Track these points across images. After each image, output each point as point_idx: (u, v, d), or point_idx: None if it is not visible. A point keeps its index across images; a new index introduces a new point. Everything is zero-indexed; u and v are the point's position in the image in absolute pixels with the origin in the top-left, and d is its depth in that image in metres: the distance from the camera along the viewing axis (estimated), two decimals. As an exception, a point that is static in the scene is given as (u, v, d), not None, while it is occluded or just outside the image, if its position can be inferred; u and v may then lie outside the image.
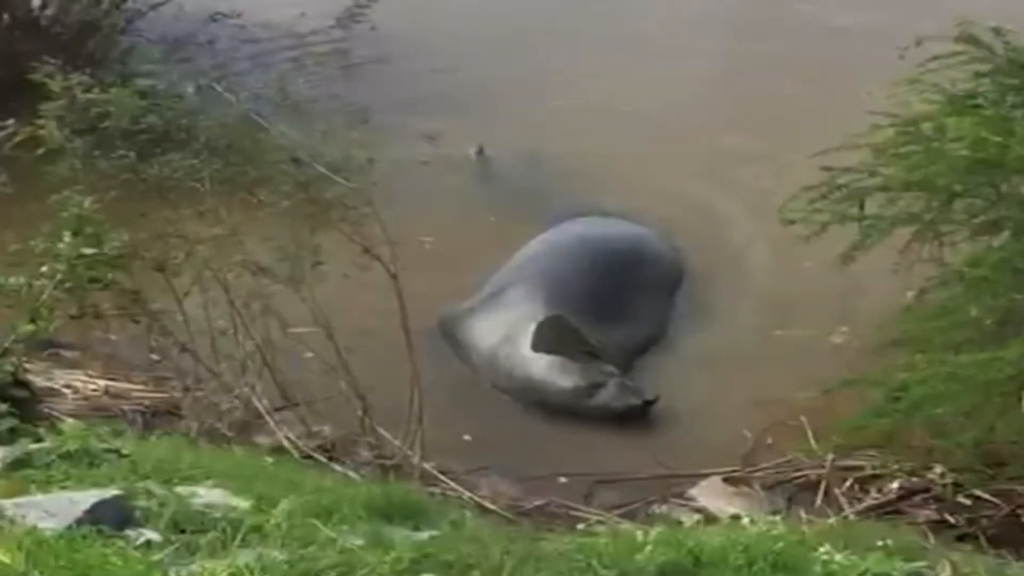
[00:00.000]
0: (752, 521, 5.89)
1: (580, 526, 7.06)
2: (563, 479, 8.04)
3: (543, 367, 9.09)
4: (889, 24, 12.13)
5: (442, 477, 7.80)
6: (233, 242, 8.16)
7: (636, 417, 8.85)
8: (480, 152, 11.82)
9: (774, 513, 6.91)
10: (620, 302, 9.71)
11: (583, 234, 10.38)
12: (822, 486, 7.82)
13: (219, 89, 8.52)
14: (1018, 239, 7.52)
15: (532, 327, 9.18)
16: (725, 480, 7.87)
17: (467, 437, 8.56)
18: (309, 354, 8.28)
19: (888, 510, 7.60)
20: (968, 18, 8.07)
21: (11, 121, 8.47)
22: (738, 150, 11.66)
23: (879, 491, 7.73)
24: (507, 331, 9.31)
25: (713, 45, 13.61)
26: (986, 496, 7.57)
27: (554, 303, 9.38)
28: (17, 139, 8.25)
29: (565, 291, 9.54)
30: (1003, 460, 7.48)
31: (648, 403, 8.88)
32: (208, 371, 8.34)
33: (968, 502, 7.58)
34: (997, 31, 8.14)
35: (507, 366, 9.22)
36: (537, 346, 9.13)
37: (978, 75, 8.08)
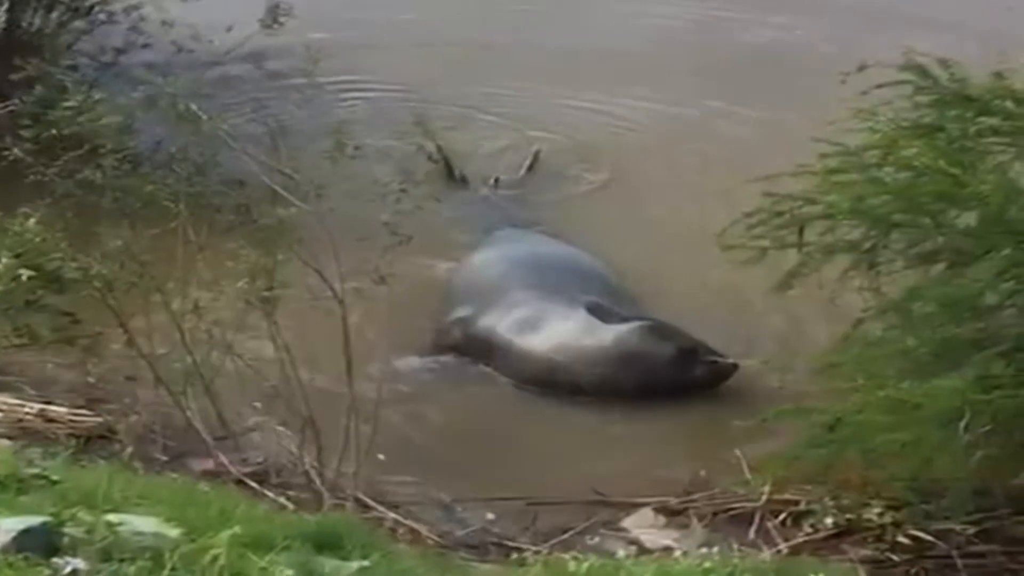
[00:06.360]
0: (684, 554, 5.90)
1: (513, 556, 7.05)
2: (490, 515, 7.98)
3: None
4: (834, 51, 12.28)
5: (374, 505, 7.73)
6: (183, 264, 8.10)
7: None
8: (496, 182, 11.69)
9: (706, 546, 6.91)
10: None
11: (537, 247, 10.36)
12: (755, 519, 7.78)
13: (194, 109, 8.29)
14: (954, 270, 7.56)
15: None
16: (658, 511, 7.85)
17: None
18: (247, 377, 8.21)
19: (823, 547, 7.55)
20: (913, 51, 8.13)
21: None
22: (687, 174, 11.65)
23: (812, 527, 7.70)
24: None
25: (663, 69, 13.58)
26: (924, 536, 7.53)
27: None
28: None
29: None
30: (939, 494, 7.47)
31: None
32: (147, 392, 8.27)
33: (907, 541, 7.54)
34: (942, 62, 8.20)
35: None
36: None
37: (922, 106, 8.12)
